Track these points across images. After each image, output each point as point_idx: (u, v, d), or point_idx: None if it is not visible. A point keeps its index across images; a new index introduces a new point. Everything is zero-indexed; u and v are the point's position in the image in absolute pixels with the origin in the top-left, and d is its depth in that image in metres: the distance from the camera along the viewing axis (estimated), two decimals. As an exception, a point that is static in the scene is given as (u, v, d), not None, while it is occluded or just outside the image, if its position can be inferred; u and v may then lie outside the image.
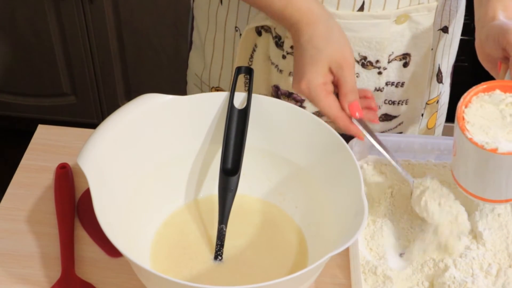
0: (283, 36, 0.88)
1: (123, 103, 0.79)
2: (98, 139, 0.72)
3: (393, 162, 0.77)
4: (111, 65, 1.86)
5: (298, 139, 0.79)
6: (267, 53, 0.92)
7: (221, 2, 0.94)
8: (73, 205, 0.85)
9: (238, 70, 0.80)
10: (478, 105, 0.71)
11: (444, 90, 1.05)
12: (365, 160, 0.89)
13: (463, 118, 0.70)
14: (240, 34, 0.93)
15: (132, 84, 1.92)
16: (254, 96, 0.78)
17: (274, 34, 0.89)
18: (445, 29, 0.96)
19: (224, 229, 0.75)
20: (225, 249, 0.76)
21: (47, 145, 0.94)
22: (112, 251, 0.79)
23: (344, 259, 0.79)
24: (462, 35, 1.71)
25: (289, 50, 0.89)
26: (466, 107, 0.71)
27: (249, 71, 0.80)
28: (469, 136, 0.69)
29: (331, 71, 0.76)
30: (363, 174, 0.85)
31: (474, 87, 0.72)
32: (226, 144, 0.76)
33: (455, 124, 0.71)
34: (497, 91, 0.71)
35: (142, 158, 0.77)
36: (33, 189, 0.88)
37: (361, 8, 0.85)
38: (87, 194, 0.85)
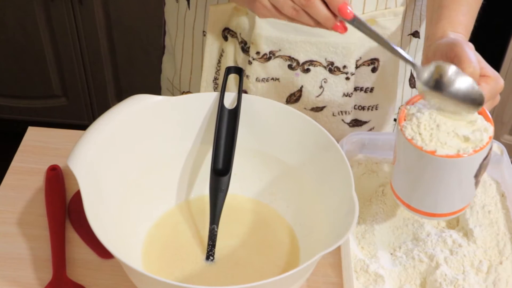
0: (249, 41, 0.89)
1: (114, 104, 0.79)
2: (88, 140, 0.71)
3: (397, 48, 0.73)
4: (101, 66, 1.86)
5: (288, 139, 0.79)
6: (234, 58, 0.92)
7: (188, 7, 0.94)
8: (64, 207, 0.85)
9: (228, 70, 0.80)
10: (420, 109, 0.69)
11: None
12: (356, 159, 0.89)
13: (405, 119, 0.69)
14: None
15: (122, 85, 1.91)
16: (244, 96, 0.79)
17: (239, 40, 0.90)
18: (415, 34, 0.96)
19: (216, 230, 0.75)
20: (217, 249, 0.76)
21: (38, 147, 0.94)
22: (103, 252, 0.79)
23: (336, 258, 0.80)
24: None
25: (255, 56, 0.89)
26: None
27: (239, 71, 0.80)
28: (409, 137, 0.67)
29: None
30: (354, 173, 0.85)
31: (416, 96, 0.71)
32: (216, 144, 0.76)
33: (396, 127, 0.70)
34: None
35: (133, 159, 0.77)
36: (23, 191, 0.88)
37: None
38: (78, 195, 0.85)
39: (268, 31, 0.86)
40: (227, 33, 0.91)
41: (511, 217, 0.82)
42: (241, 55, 0.91)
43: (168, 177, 0.81)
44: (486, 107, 0.70)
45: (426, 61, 0.76)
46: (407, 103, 0.70)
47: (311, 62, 0.89)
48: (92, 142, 0.71)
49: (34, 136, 0.95)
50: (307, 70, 0.90)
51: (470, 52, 0.69)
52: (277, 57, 0.89)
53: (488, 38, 1.69)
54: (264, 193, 0.83)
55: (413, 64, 0.69)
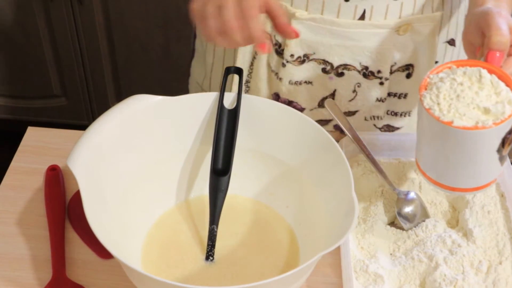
0: (283, 43, 0.88)
1: (113, 104, 0.79)
2: (88, 140, 0.71)
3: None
4: (101, 66, 1.86)
5: (288, 139, 0.79)
6: (267, 61, 0.92)
7: None
8: (63, 207, 0.85)
9: (228, 70, 0.80)
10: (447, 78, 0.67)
11: None
12: (355, 159, 0.89)
13: (426, 88, 0.67)
14: None
15: (122, 85, 1.91)
16: (244, 96, 0.79)
17: (274, 42, 0.89)
18: (451, 42, 0.94)
19: (215, 230, 0.75)
20: (217, 249, 0.76)
21: (37, 147, 0.94)
22: (103, 252, 0.79)
23: (336, 258, 0.80)
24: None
25: (289, 58, 0.88)
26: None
27: (238, 71, 0.80)
28: (427, 107, 0.65)
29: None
30: (353, 173, 0.85)
31: (442, 64, 0.69)
32: (216, 144, 0.76)
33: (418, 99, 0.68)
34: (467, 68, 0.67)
35: (132, 159, 0.77)
36: (23, 191, 0.87)
37: (362, 17, 0.84)
38: (77, 196, 0.85)
39: (303, 34, 0.85)
40: None
41: (511, 217, 0.82)
42: (274, 57, 0.90)
43: (168, 177, 0.81)
44: None
45: (464, 31, 0.75)
46: (431, 72, 0.68)
47: (345, 66, 0.88)
48: (91, 142, 0.71)
49: (33, 136, 0.95)
50: (341, 74, 0.89)
51: (501, 21, 0.67)
52: (311, 60, 0.88)
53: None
54: (264, 193, 0.83)
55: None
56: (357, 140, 0.86)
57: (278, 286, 0.64)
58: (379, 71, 0.89)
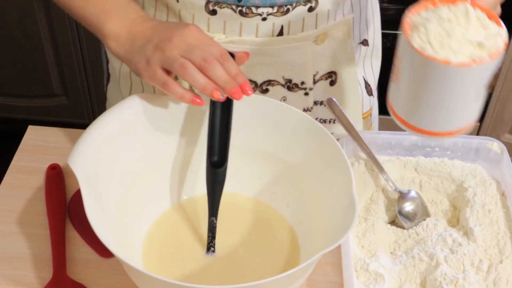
0: None
1: (114, 103, 0.80)
2: (88, 139, 0.71)
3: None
4: (101, 65, 1.85)
5: (289, 138, 0.79)
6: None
7: None
8: (64, 206, 0.85)
9: None
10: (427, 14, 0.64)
11: (374, 102, 1.04)
12: (356, 157, 0.89)
13: (410, 30, 0.63)
14: None
15: (123, 84, 1.91)
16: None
17: None
18: (365, 42, 0.95)
19: (215, 222, 0.75)
20: (217, 247, 0.76)
21: (38, 146, 0.94)
22: (103, 251, 0.79)
23: (336, 257, 0.80)
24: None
25: None
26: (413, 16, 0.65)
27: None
28: (417, 47, 0.61)
29: None
30: (354, 172, 0.85)
31: (418, 4, 0.65)
32: (211, 136, 0.75)
33: (401, 38, 0.64)
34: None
35: (133, 158, 0.77)
36: (23, 190, 0.88)
37: (281, 33, 0.84)
38: (78, 194, 0.85)
39: None
40: None
41: (511, 216, 0.82)
42: None
43: (168, 175, 0.81)
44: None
45: None
46: (410, 12, 0.65)
47: (269, 82, 0.88)
48: (92, 141, 0.71)
49: (34, 135, 0.95)
50: (266, 91, 0.89)
51: None
52: None
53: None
54: (264, 192, 0.83)
55: None
56: (358, 139, 0.86)
57: (279, 285, 0.64)
58: (302, 82, 0.89)
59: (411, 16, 0.64)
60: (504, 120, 1.86)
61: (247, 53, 0.74)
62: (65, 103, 1.96)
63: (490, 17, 0.63)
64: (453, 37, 0.61)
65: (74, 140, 0.72)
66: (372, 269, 0.75)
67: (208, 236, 0.75)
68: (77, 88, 1.91)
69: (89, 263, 0.79)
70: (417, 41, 0.62)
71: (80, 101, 1.95)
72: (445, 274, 0.74)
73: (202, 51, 0.69)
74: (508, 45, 0.62)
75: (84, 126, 0.75)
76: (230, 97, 0.69)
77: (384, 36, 1.77)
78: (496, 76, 0.64)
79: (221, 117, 0.75)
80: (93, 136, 0.72)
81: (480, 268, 0.76)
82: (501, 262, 0.77)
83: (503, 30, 0.62)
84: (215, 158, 0.74)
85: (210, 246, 0.75)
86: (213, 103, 0.75)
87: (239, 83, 0.69)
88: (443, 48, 0.61)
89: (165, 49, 0.69)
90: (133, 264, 0.62)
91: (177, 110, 0.78)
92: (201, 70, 0.69)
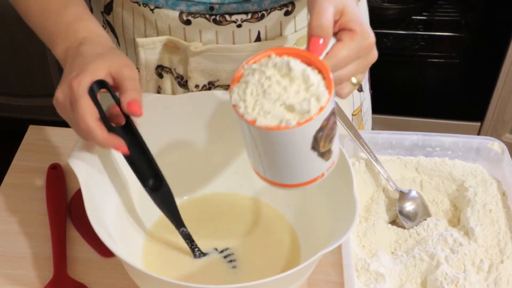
0: (185, 75, 0.86)
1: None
2: (89, 139, 0.71)
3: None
4: (102, 65, 1.85)
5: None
6: (173, 93, 0.89)
7: (118, 43, 0.89)
8: (64, 205, 0.85)
9: (92, 89, 0.65)
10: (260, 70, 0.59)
11: (365, 97, 1.03)
12: (357, 157, 0.89)
13: (238, 80, 0.59)
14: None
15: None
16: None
17: (175, 75, 0.87)
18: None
19: (185, 230, 0.74)
20: (218, 247, 0.76)
21: (39, 145, 0.94)
22: (104, 251, 0.79)
23: (337, 257, 0.80)
24: (453, 31, 1.72)
25: (194, 89, 0.86)
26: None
27: (101, 85, 0.66)
28: (233, 102, 0.58)
29: (111, 75, 0.66)
30: (355, 171, 0.85)
31: (262, 52, 0.60)
32: (133, 165, 0.69)
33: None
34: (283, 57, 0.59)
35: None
36: (24, 190, 0.88)
37: (258, 38, 0.83)
38: (78, 194, 0.85)
39: (203, 64, 0.84)
40: (161, 70, 0.88)
41: (512, 216, 0.82)
42: (179, 89, 0.88)
43: (168, 176, 0.81)
44: (358, 69, 0.62)
45: None
46: (247, 61, 0.60)
47: None
48: (93, 141, 0.71)
49: (35, 135, 0.95)
50: None
51: (326, 5, 0.60)
52: (216, 87, 0.87)
53: (489, 38, 1.69)
54: (265, 192, 0.83)
55: None
56: (358, 139, 0.85)
57: (279, 284, 0.64)
58: None
59: (245, 66, 0.60)
60: (505, 120, 1.86)
61: (140, 113, 0.66)
62: (66, 102, 1.96)
63: (323, 73, 0.58)
64: (267, 97, 0.57)
65: (75, 140, 0.72)
66: (373, 269, 0.75)
67: (187, 243, 0.75)
68: (78, 88, 1.91)
69: (89, 263, 0.79)
70: (235, 96, 0.59)
71: (81, 101, 1.95)
72: (446, 274, 0.74)
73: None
74: (324, 109, 0.56)
75: (84, 125, 0.75)
76: (128, 113, 0.65)
77: (384, 35, 1.77)
78: (327, 138, 0.59)
79: (129, 143, 0.67)
80: (94, 135, 0.72)
81: (481, 268, 0.76)
82: (502, 262, 0.77)
83: (325, 92, 0.57)
84: (151, 182, 0.70)
85: (194, 249, 0.75)
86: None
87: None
88: (255, 108, 0.58)
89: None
90: (133, 263, 0.62)
91: (179, 111, 0.78)
92: None
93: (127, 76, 0.66)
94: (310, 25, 0.60)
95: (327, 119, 0.58)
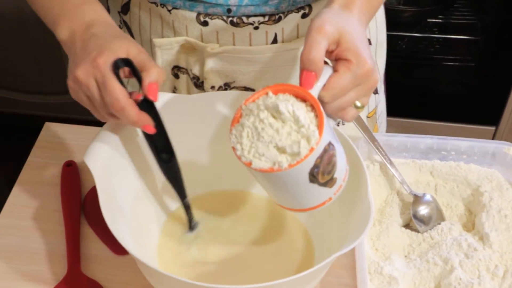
0: (201, 77, 0.86)
1: (129, 101, 0.80)
2: (105, 137, 0.72)
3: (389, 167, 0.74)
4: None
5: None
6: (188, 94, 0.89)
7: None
8: (79, 202, 0.85)
9: (116, 65, 0.67)
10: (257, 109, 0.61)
11: (380, 99, 1.03)
12: (371, 160, 0.88)
13: (238, 121, 0.61)
14: None
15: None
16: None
17: (191, 76, 0.87)
18: (368, 42, 0.94)
19: (188, 202, 0.76)
20: (231, 248, 0.76)
21: (54, 142, 0.94)
22: (118, 249, 0.79)
23: (350, 259, 0.79)
24: (468, 35, 1.71)
25: (210, 90, 0.87)
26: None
27: (127, 63, 0.67)
28: (232, 145, 0.61)
29: (130, 56, 0.67)
30: (369, 174, 0.85)
31: (260, 90, 0.62)
32: (150, 139, 0.71)
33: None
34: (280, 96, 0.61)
35: (148, 155, 0.77)
36: (39, 186, 0.88)
37: (275, 41, 0.83)
38: (93, 191, 0.86)
39: (219, 65, 0.84)
40: (177, 70, 0.88)
41: (528, 221, 0.81)
42: (195, 90, 0.88)
43: (184, 171, 0.81)
44: (359, 95, 0.62)
45: None
46: (246, 100, 0.62)
47: None
48: (108, 139, 0.72)
49: (50, 132, 0.96)
50: None
51: (319, 38, 0.60)
52: (232, 88, 0.87)
53: (505, 41, 1.68)
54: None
55: None
56: (373, 141, 0.85)
57: (292, 286, 0.64)
58: None
59: (243, 106, 0.62)
60: (519, 125, 1.85)
61: (155, 99, 0.67)
62: (80, 100, 1.97)
63: (316, 110, 0.60)
64: (261, 140, 0.59)
65: (90, 137, 0.72)
66: (386, 272, 0.75)
67: (187, 215, 0.76)
68: (93, 86, 1.92)
69: (103, 260, 0.79)
70: (233, 138, 0.61)
71: (95, 99, 1.96)
72: (460, 279, 0.74)
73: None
74: (314, 150, 0.58)
75: (100, 123, 0.75)
76: (145, 94, 0.66)
77: (399, 38, 1.76)
78: (323, 170, 0.60)
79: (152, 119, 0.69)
80: (110, 133, 0.72)
81: (495, 274, 0.76)
82: (516, 268, 0.77)
83: (315, 133, 0.58)
84: (164, 155, 0.72)
85: (191, 221, 0.77)
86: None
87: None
88: (250, 151, 0.60)
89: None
90: (147, 262, 0.62)
91: (193, 108, 0.78)
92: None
93: (147, 58, 0.67)
94: (301, 58, 0.61)
95: (321, 157, 0.59)
